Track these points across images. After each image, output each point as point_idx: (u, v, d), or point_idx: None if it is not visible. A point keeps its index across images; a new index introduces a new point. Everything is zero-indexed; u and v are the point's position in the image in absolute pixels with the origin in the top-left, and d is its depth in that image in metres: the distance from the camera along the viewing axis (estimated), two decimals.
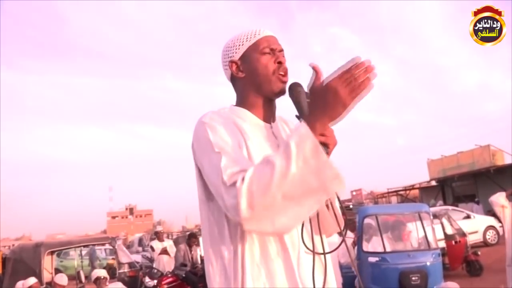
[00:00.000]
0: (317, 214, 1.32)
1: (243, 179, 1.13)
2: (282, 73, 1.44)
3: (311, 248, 1.31)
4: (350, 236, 6.68)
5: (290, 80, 1.43)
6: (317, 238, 1.35)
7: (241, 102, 1.50)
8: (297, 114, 1.35)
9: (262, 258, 1.27)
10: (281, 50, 1.48)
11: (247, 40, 1.47)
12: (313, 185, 1.12)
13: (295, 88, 1.37)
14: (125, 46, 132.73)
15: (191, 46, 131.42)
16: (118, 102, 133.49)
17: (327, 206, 1.39)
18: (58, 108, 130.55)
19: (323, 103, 1.18)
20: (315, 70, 1.27)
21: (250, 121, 1.44)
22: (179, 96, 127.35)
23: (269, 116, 1.49)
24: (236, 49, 1.48)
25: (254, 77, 1.45)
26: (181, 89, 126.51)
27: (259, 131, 1.43)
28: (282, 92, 1.45)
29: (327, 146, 1.28)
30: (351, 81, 1.14)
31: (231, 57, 1.48)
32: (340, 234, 1.43)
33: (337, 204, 1.40)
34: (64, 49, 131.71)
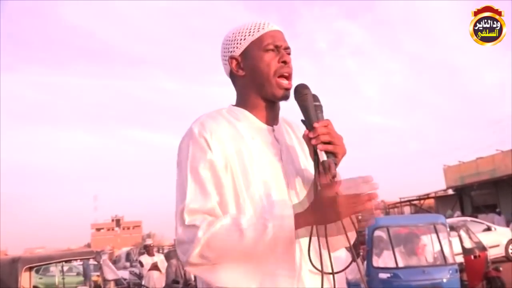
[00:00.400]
0: (325, 228, 1.32)
1: (208, 225, 1.24)
2: (286, 75, 1.43)
3: (319, 267, 1.30)
4: (341, 250, 6.66)
5: (295, 82, 1.42)
6: (324, 254, 1.35)
7: (241, 102, 1.49)
8: (303, 118, 1.35)
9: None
10: (287, 48, 1.47)
11: (249, 35, 1.45)
12: (268, 269, 1.25)
13: (301, 91, 1.36)
14: (114, 44, 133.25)
15: (185, 43, 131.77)
16: (104, 104, 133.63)
17: None
18: (38, 111, 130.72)
19: (323, 212, 1.25)
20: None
21: (250, 123, 1.44)
22: (171, 97, 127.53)
23: (271, 118, 1.48)
24: (237, 43, 1.46)
25: (255, 77, 1.44)
26: (174, 90, 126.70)
27: (260, 135, 1.43)
28: (284, 98, 1.44)
29: (335, 156, 1.30)
30: (357, 206, 1.22)
31: (231, 52, 1.47)
32: (348, 248, 1.43)
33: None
34: (48, 48, 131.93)
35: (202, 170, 1.31)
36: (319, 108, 1.35)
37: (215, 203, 1.30)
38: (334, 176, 1.28)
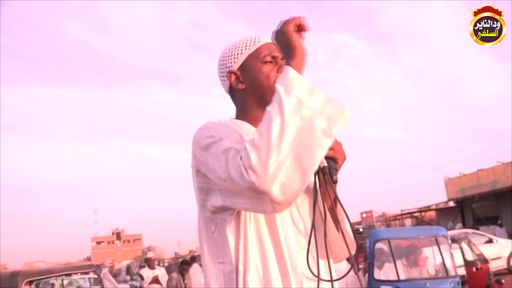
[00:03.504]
0: (325, 237, 1.32)
1: (245, 144, 1.12)
2: None
3: (316, 274, 1.29)
4: (342, 263, 6.63)
5: None
6: (323, 263, 1.34)
7: (241, 115, 1.50)
8: None
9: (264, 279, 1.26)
10: (283, 58, 1.47)
11: (246, 48, 1.47)
12: (318, 127, 1.11)
13: None
14: (110, 56, 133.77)
15: (182, 55, 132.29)
16: (102, 117, 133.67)
17: (336, 227, 1.39)
18: (36, 124, 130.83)
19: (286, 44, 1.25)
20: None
21: (250, 134, 1.44)
22: (169, 109, 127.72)
23: None
24: (234, 58, 1.48)
25: (255, 88, 1.45)
26: (172, 102, 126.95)
27: None
28: None
29: (335, 161, 1.31)
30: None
31: (229, 67, 1.49)
32: (349, 260, 1.43)
33: (347, 226, 1.40)
34: (45, 61, 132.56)
35: (228, 134, 1.29)
36: None
37: None
38: (335, 182, 1.28)
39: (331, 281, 1.33)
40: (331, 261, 1.39)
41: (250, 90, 1.46)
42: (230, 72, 1.48)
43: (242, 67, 1.47)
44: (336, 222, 1.39)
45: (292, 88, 1.14)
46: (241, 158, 1.11)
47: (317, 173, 1.33)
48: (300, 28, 1.25)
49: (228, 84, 1.50)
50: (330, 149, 1.25)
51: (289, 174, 1.09)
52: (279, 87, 1.15)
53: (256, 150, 1.09)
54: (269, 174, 1.08)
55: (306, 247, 1.30)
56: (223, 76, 1.52)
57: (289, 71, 1.18)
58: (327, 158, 1.30)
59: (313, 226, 1.31)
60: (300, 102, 1.12)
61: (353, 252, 1.36)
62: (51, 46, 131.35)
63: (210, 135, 1.30)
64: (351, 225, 1.40)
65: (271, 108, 1.14)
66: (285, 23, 1.24)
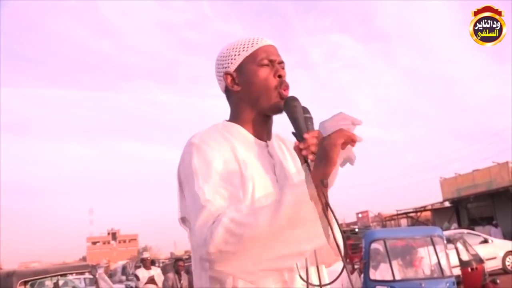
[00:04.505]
0: None
1: (222, 217, 1.18)
2: (285, 88, 1.43)
3: (306, 279, 1.30)
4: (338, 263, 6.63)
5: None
6: (313, 269, 1.35)
7: (235, 117, 1.50)
8: (293, 131, 1.34)
9: None
10: (281, 62, 1.48)
11: (243, 50, 1.46)
12: (288, 254, 1.18)
13: (290, 103, 1.36)
14: (106, 56, 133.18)
15: (179, 55, 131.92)
16: (98, 117, 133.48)
17: (327, 232, 1.38)
18: (31, 123, 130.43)
19: (326, 156, 1.17)
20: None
21: (244, 138, 1.44)
22: (165, 109, 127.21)
23: (265, 133, 1.49)
24: (231, 59, 1.47)
25: (250, 91, 1.45)
26: (168, 102, 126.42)
27: (253, 150, 1.43)
28: (281, 109, 1.43)
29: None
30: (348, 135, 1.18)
31: (225, 68, 1.48)
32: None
33: (336, 232, 1.38)
34: (39, 59, 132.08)
35: (212, 171, 1.30)
36: (309, 119, 1.35)
37: (233, 194, 1.28)
38: (325, 186, 1.28)
39: (320, 286, 1.33)
40: (321, 266, 1.39)
41: (245, 92, 1.46)
42: (227, 73, 1.48)
43: (239, 68, 1.46)
44: (327, 226, 1.37)
45: (294, 209, 1.15)
46: (212, 223, 1.18)
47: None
48: (349, 142, 1.18)
49: (224, 84, 1.50)
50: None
51: (238, 264, 1.18)
52: (286, 197, 1.16)
53: (225, 239, 1.15)
54: (221, 261, 1.17)
55: None
56: (219, 76, 1.51)
57: (301, 187, 1.17)
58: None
59: None
60: (288, 228, 1.15)
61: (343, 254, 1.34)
62: (47, 46, 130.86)
63: (193, 164, 1.32)
64: (341, 230, 1.37)
65: (265, 211, 1.16)
66: (338, 136, 1.15)
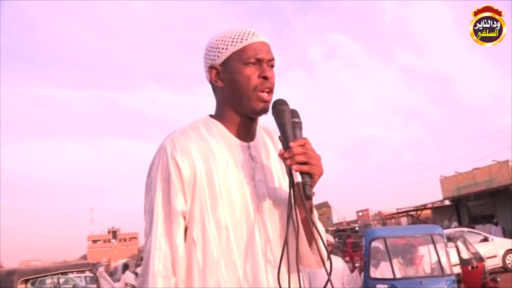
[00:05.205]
0: (296, 251, 1.30)
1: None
2: (267, 91, 1.37)
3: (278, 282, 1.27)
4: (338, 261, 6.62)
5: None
6: (294, 277, 1.32)
7: (218, 114, 1.45)
8: (280, 136, 1.30)
9: None
10: (270, 60, 1.40)
11: (231, 45, 1.39)
12: None
13: (278, 107, 1.31)
14: (105, 55, 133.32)
15: (177, 54, 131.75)
16: (98, 116, 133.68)
17: (310, 240, 1.38)
18: (32, 123, 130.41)
19: None
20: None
21: (225, 139, 1.39)
22: (164, 108, 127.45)
23: (247, 134, 1.43)
24: (218, 52, 1.40)
25: (233, 90, 1.39)
26: (167, 101, 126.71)
27: (234, 152, 1.38)
28: (264, 111, 1.38)
29: (311, 176, 1.25)
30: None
31: (212, 60, 1.42)
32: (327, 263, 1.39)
33: (320, 242, 1.33)
34: (38, 58, 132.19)
35: (173, 199, 1.30)
36: (297, 125, 1.30)
37: (179, 240, 1.29)
38: (308, 198, 1.24)
39: None
40: (301, 275, 1.33)
41: (228, 90, 1.40)
42: (212, 66, 1.42)
43: (225, 63, 1.40)
44: (311, 234, 1.34)
45: None
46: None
47: (292, 187, 1.29)
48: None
49: (209, 77, 1.45)
50: (306, 163, 1.23)
51: None
52: None
53: None
54: None
55: (276, 261, 1.30)
56: (206, 66, 1.45)
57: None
58: (302, 173, 1.24)
59: (285, 242, 1.28)
60: None
61: (327, 266, 1.26)
62: (45, 45, 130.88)
63: (149, 179, 1.37)
64: (323, 240, 1.34)
65: None
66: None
